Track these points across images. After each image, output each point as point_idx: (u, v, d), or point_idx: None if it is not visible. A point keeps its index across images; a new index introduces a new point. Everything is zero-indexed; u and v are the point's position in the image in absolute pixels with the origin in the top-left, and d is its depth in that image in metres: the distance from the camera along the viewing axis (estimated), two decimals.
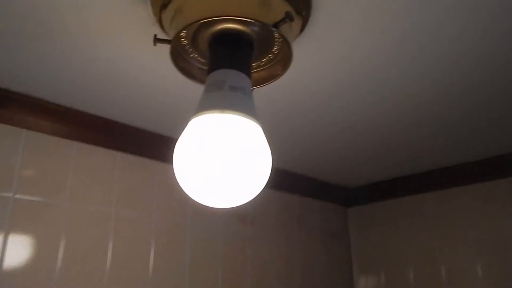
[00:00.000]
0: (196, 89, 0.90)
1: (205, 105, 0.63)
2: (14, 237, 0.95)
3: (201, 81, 0.78)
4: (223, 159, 0.60)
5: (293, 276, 1.53)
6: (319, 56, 0.84)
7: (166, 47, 0.70)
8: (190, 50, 0.74)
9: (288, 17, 0.63)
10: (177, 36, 0.67)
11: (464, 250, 1.47)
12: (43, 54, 0.85)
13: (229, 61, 0.67)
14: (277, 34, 0.69)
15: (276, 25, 0.64)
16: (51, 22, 0.74)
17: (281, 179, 1.58)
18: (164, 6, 0.68)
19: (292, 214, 1.62)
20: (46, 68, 0.89)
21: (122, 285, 1.08)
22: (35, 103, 1.03)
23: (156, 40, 0.68)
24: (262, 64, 0.77)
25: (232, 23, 0.67)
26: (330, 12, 0.70)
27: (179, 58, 0.75)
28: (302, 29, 0.74)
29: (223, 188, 0.61)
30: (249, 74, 0.68)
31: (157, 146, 1.25)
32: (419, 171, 1.62)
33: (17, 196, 0.98)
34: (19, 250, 0.95)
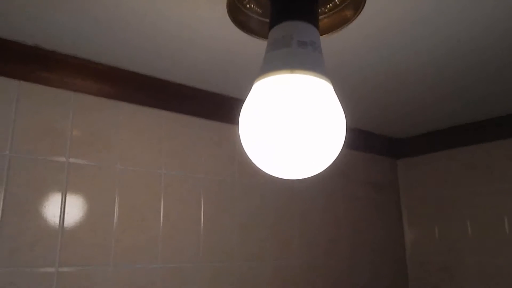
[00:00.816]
0: (247, 43, 0.83)
1: (272, 64, 0.56)
2: (71, 200, 0.95)
3: (258, 34, 0.71)
4: (294, 125, 0.54)
5: (341, 232, 1.51)
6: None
7: (223, 5, 0.62)
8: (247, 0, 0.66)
9: None
10: None
11: None
12: (88, 12, 0.79)
13: (294, 11, 0.59)
14: None
15: None
16: None
17: None
18: None
19: (338, 168, 1.56)
20: (91, 26, 0.84)
21: (175, 242, 1.09)
22: (82, 64, 0.99)
23: None
24: (326, 10, 0.69)
25: None
26: None
27: (235, 10, 0.67)
28: None
29: (296, 158, 0.56)
30: (317, 26, 0.60)
31: (202, 103, 1.20)
32: (477, 119, 1.49)
33: (71, 160, 0.97)
34: (77, 211, 0.96)
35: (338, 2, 0.67)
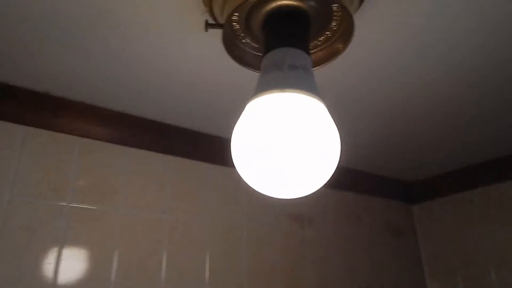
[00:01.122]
0: (250, 86, 0.86)
1: (264, 86, 0.58)
2: (69, 246, 0.93)
3: (254, 67, 0.74)
4: (287, 142, 0.54)
5: (359, 281, 1.43)
6: (379, 33, 0.77)
7: (219, 44, 0.66)
8: (242, 35, 0.69)
9: None
10: (229, 19, 0.63)
11: None
12: (95, 59, 0.84)
13: (287, 39, 0.61)
14: (335, 8, 0.63)
15: None
16: (101, 24, 0.73)
17: (337, 176, 1.49)
18: None
19: (351, 213, 1.52)
20: (98, 73, 0.89)
21: None
22: (89, 110, 1.03)
23: (208, 25, 0.65)
24: (319, 44, 0.72)
25: None
26: None
27: (231, 44, 0.70)
28: (360, 2, 0.68)
29: (288, 176, 0.55)
30: (308, 52, 0.62)
31: (207, 148, 1.21)
32: (494, 157, 1.45)
33: (72, 204, 0.97)
34: (74, 258, 0.93)
35: (330, 35, 0.70)
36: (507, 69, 0.91)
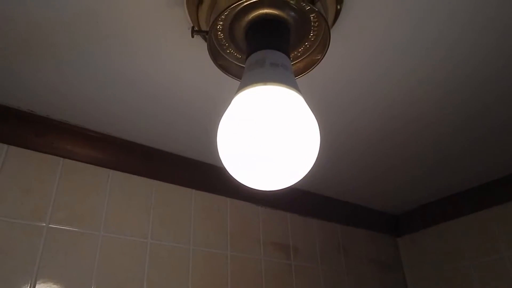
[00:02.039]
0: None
1: (247, 81, 0.61)
2: (46, 267, 0.90)
3: (238, 77, 0.77)
4: (270, 133, 0.56)
5: None
6: (351, 53, 0.82)
7: (207, 69, 0.69)
8: (226, 44, 0.73)
9: None
10: (214, 25, 0.67)
11: None
12: (81, 81, 0.86)
13: (268, 43, 0.65)
14: (313, 17, 0.68)
15: (313, 0, 0.63)
16: (86, 45, 0.77)
17: (322, 206, 1.50)
18: (200, 1, 0.69)
19: (338, 245, 1.51)
20: (83, 94, 0.91)
21: None
22: (73, 130, 1.03)
23: (194, 31, 0.68)
24: (299, 54, 0.76)
25: (268, 8, 0.67)
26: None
27: (216, 54, 0.74)
28: (335, 18, 0.74)
29: (271, 165, 0.57)
30: (288, 55, 0.66)
31: (193, 173, 1.21)
32: (478, 183, 1.47)
33: (52, 225, 0.94)
34: (51, 281, 0.89)
35: (308, 45, 0.74)
36: (494, 96, 0.97)
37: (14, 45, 0.76)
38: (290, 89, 0.59)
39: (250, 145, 0.56)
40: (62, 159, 1.02)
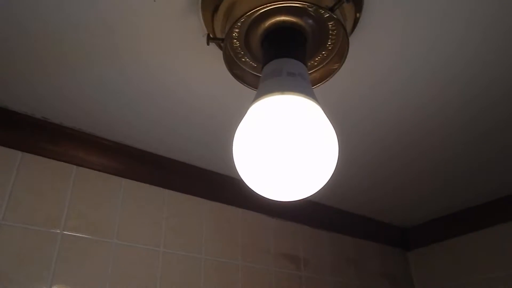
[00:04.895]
0: None
1: (263, 91, 0.60)
2: (60, 274, 0.89)
3: (254, 87, 0.76)
4: (288, 143, 0.54)
5: None
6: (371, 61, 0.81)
7: (222, 79, 0.69)
8: (242, 53, 0.73)
9: None
10: (230, 33, 0.67)
11: None
12: (94, 88, 0.86)
13: (284, 51, 0.64)
14: (331, 25, 0.67)
15: (332, 8, 0.62)
16: (101, 54, 0.77)
17: (333, 219, 1.47)
18: (215, 9, 0.68)
19: (348, 258, 1.48)
20: (97, 102, 0.91)
21: None
22: (87, 139, 1.03)
23: (210, 39, 0.68)
24: (315, 64, 0.75)
25: (285, 15, 0.66)
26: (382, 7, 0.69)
27: (232, 63, 0.73)
28: (354, 26, 0.72)
29: (288, 176, 0.55)
30: (305, 64, 0.65)
31: (207, 184, 1.21)
32: (491, 199, 1.44)
33: (65, 232, 0.94)
34: (64, 287, 0.89)
35: (326, 55, 0.73)
36: (508, 112, 0.95)
37: (28, 53, 0.76)
38: (308, 98, 0.58)
39: (267, 155, 0.55)
40: (75, 166, 1.02)
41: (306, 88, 0.60)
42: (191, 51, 0.77)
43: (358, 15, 0.70)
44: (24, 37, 0.73)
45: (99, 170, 1.05)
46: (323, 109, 0.62)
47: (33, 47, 0.75)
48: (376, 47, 0.77)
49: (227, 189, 1.22)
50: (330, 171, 0.57)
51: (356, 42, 0.76)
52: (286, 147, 0.54)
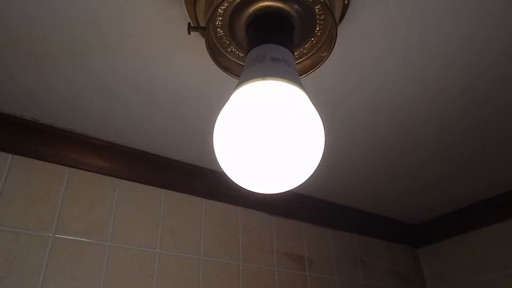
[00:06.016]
0: None
1: (245, 78, 0.56)
2: (51, 278, 0.87)
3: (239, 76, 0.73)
4: (270, 130, 0.51)
5: None
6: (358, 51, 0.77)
7: (216, 77, 0.67)
8: (227, 42, 0.70)
9: None
10: (212, 21, 0.64)
11: None
12: (86, 87, 0.84)
13: (269, 37, 0.61)
14: (318, 10, 0.64)
15: None
16: (91, 53, 0.74)
17: (337, 216, 1.43)
18: None
19: (355, 256, 1.43)
20: (89, 102, 0.88)
21: None
22: (79, 139, 1.01)
23: (190, 28, 0.65)
24: (305, 51, 0.71)
25: (269, 0, 0.63)
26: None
27: (217, 53, 0.70)
28: (343, 13, 0.69)
29: (271, 166, 0.52)
30: (291, 50, 0.62)
31: (204, 182, 1.18)
32: (503, 191, 1.38)
33: (58, 235, 0.92)
34: None
35: (315, 41, 0.70)
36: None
37: (17, 53, 0.74)
38: (290, 84, 0.54)
39: (247, 144, 0.51)
40: (68, 168, 1.00)
41: (290, 74, 0.56)
42: (178, 43, 0.74)
43: (346, 1, 0.66)
44: (12, 37, 0.71)
45: (93, 171, 1.03)
46: (315, 96, 0.59)
47: (22, 47, 0.73)
48: (367, 35, 0.74)
49: (226, 187, 1.18)
50: (316, 160, 0.54)
51: (347, 29, 0.72)
52: (268, 135, 0.51)
